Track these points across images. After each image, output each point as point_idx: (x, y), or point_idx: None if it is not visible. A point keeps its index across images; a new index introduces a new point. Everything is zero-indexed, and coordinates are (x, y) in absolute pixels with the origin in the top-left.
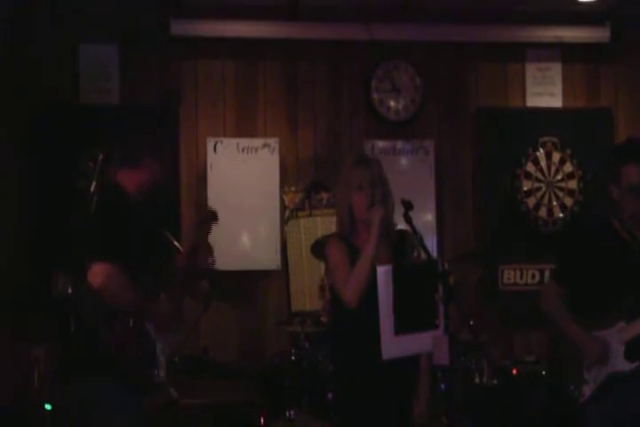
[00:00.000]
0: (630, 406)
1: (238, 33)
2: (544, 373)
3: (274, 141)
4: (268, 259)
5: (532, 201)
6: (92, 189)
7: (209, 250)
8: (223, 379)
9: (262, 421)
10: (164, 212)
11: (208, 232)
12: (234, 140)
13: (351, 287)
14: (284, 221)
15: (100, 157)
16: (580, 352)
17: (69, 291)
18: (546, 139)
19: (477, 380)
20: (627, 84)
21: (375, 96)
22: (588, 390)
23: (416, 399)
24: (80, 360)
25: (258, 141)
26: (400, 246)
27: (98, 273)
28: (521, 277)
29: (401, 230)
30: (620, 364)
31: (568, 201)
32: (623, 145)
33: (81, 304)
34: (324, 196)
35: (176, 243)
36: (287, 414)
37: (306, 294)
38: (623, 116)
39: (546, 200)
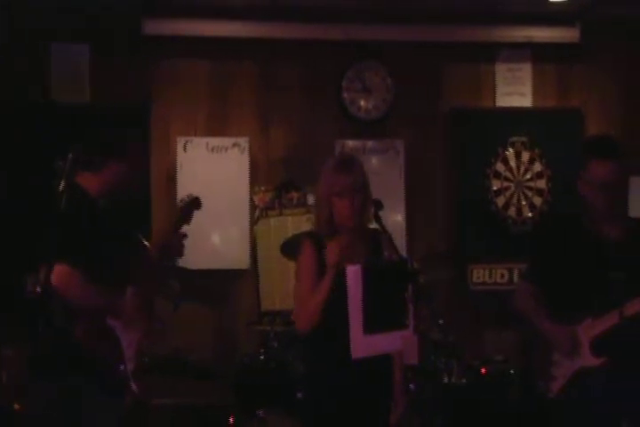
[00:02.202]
0: (597, 402)
1: (211, 32)
2: (512, 372)
3: (244, 141)
4: (237, 258)
5: (501, 200)
6: (61, 188)
7: (180, 248)
8: (195, 379)
9: (232, 421)
10: (134, 211)
11: (189, 219)
12: (203, 140)
13: (304, 319)
14: (253, 221)
15: (70, 156)
16: (551, 345)
17: (38, 290)
18: (515, 138)
19: (446, 379)
20: (596, 84)
21: (346, 96)
22: (555, 387)
23: (393, 405)
24: (49, 360)
25: (228, 141)
26: (373, 246)
27: (56, 274)
28: (490, 277)
29: (374, 229)
30: (587, 360)
31: (537, 200)
32: (591, 141)
33: (50, 304)
34: (295, 195)
35: (145, 242)
36: (257, 413)
37: (275, 294)
38: (593, 115)
39: (515, 200)
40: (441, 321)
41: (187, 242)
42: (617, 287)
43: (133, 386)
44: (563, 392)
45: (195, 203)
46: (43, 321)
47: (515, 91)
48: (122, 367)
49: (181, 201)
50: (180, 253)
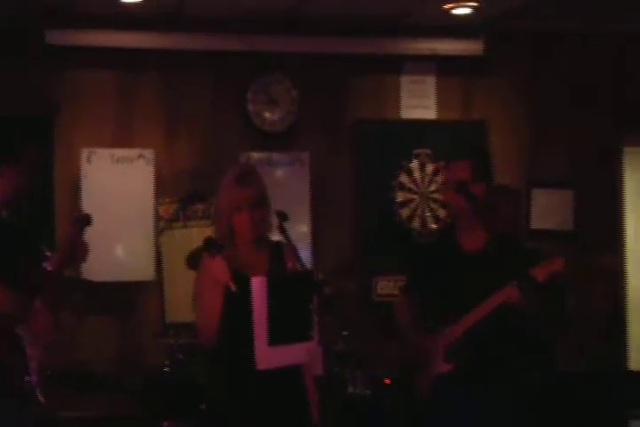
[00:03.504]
0: (453, 408)
1: (116, 43)
2: None
3: (149, 152)
4: (142, 270)
5: (405, 212)
6: None
7: (85, 251)
8: (100, 392)
9: None
10: (38, 222)
11: (81, 235)
12: (108, 151)
13: (205, 335)
14: (158, 232)
15: None
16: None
17: None
18: (419, 150)
19: (351, 389)
20: (499, 97)
21: (251, 108)
22: (422, 393)
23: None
24: None
25: (133, 152)
26: (275, 258)
27: None
28: (395, 288)
29: (277, 241)
30: (440, 366)
31: (441, 213)
32: None
33: None
34: (200, 207)
35: (48, 253)
36: (163, 425)
37: (181, 306)
38: (496, 128)
39: (419, 211)
40: (345, 332)
41: (91, 252)
42: (485, 294)
43: (40, 398)
44: (424, 398)
45: (84, 219)
46: None
47: (419, 103)
48: (27, 378)
49: (74, 217)
50: (84, 258)
